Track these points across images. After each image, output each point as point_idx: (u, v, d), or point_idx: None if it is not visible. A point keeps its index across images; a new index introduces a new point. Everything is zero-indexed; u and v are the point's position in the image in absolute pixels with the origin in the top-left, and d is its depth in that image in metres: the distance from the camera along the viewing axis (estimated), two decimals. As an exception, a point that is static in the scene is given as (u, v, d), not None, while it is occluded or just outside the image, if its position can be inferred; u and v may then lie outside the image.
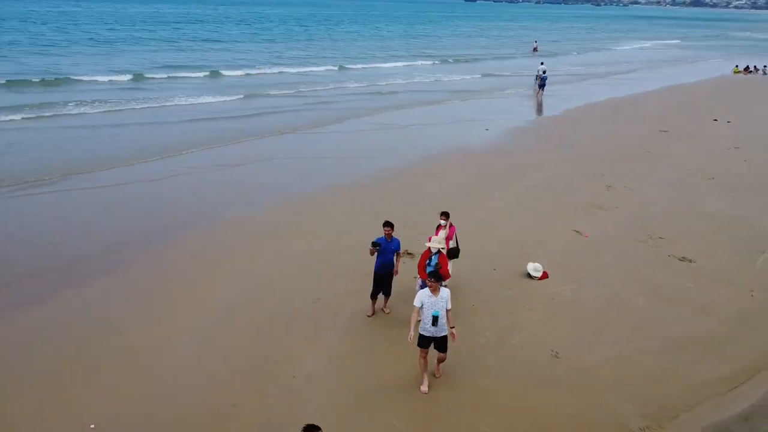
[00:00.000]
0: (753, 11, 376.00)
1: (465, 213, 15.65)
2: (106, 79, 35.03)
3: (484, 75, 46.22)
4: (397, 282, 10.75)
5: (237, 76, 39.57)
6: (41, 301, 10.68)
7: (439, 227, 11.21)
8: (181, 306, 10.73)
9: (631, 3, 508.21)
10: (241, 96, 32.01)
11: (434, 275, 8.39)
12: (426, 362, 8.65)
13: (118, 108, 27.58)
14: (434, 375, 8.86)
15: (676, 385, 9.01)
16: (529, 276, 12.16)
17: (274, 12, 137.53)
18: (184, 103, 29.75)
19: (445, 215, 11.18)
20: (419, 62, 52.76)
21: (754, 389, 9.07)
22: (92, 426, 7.62)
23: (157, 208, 15.64)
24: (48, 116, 25.12)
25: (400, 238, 10.52)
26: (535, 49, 67.44)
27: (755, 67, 52.17)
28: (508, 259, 12.93)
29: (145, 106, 28.46)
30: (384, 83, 39.24)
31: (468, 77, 44.34)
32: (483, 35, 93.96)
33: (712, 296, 11.70)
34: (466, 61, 55.42)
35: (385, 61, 52.19)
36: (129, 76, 36.10)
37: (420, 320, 8.44)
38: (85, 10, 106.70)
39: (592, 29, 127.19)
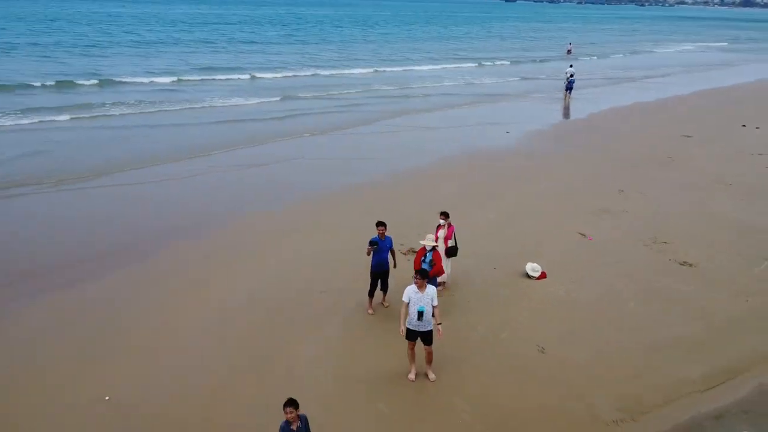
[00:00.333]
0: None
1: (475, 213, 16.27)
2: (146, 80, 36.54)
3: (515, 78, 46.33)
4: (399, 278, 11.35)
5: (271, 78, 40.60)
6: (69, 287, 11.69)
7: (439, 226, 11.80)
8: (195, 294, 11.59)
9: (677, 3, 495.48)
10: (274, 98, 32.94)
11: (420, 273, 8.97)
12: (413, 353, 9.26)
13: (156, 109, 28.85)
14: (426, 376, 9.29)
15: (654, 383, 9.40)
16: (528, 276, 12.62)
17: (310, 13, 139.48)
18: (219, 104, 30.89)
19: (445, 215, 11.77)
20: (452, 65, 53.02)
21: (731, 390, 9.39)
22: (107, 398, 8.51)
23: (182, 205, 16.59)
24: (91, 117, 26.47)
25: (411, 236, 11.06)
26: (569, 52, 66.86)
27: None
28: (510, 259, 13.40)
29: (183, 107, 29.65)
30: (414, 86, 39.73)
31: (499, 80, 44.50)
32: (518, 37, 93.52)
33: (705, 301, 11.97)
34: (499, 64, 55.48)
35: (418, 63, 52.65)
36: (168, 78, 37.47)
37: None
38: (129, 11, 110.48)
39: (635, 31, 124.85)
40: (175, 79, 37.61)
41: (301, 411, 6.66)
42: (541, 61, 59.62)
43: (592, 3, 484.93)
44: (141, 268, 12.69)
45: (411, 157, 22.19)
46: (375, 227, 10.87)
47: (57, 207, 16.20)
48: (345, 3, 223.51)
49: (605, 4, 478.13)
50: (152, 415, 8.31)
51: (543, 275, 12.64)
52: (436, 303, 9.04)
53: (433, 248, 10.48)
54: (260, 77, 40.71)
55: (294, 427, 6.60)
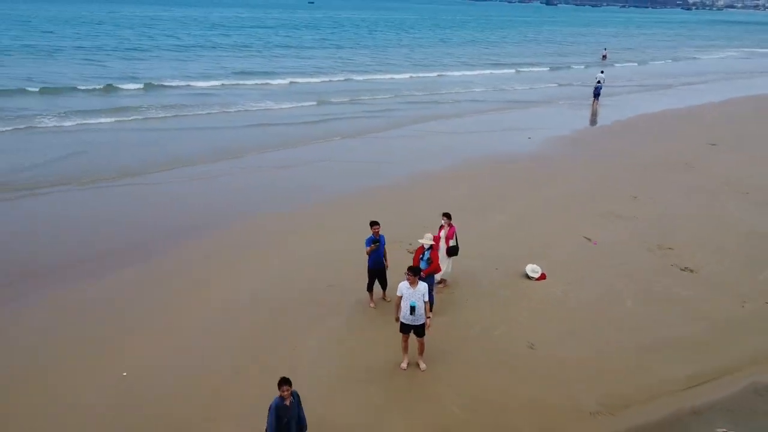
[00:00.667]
0: None
1: (485, 216, 16.81)
2: (183, 83, 37.96)
3: (547, 84, 46.31)
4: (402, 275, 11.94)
5: (305, 82, 41.35)
6: (98, 277, 12.70)
7: (441, 227, 12.38)
8: (210, 284, 12.45)
9: (726, 7, 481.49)
10: (308, 103, 33.71)
11: (412, 270, 9.57)
12: (407, 345, 9.86)
13: (192, 113, 29.88)
14: (418, 366, 9.90)
15: (639, 380, 9.80)
16: (527, 277, 13.08)
17: (346, 16, 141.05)
18: (253, 108, 31.78)
19: (447, 216, 12.34)
20: (486, 71, 53.02)
21: (715, 389, 9.73)
22: (124, 374, 9.39)
23: (201, 205, 17.33)
24: (128, 119, 27.67)
25: (422, 237, 11.60)
26: (604, 57, 66.36)
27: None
28: (513, 260, 13.85)
29: (218, 111, 30.61)
30: (445, 92, 40.03)
31: (530, 87, 44.40)
32: (554, 42, 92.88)
33: (702, 304, 12.23)
34: (532, 70, 55.31)
35: (452, 69, 52.87)
36: (205, 82, 38.73)
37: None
38: (171, 14, 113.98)
39: (678, 36, 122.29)
40: (211, 83, 38.80)
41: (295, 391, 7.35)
42: (575, 66, 59.16)
43: (636, 6, 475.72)
44: (168, 260, 13.62)
45: (431, 160, 22.74)
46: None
47: (84, 205, 17.05)
48: (382, 6, 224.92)
49: (650, 8, 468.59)
50: (155, 415, 8.75)
51: (543, 276, 13.07)
52: (427, 299, 9.63)
53: (431, 247, 11.06)
54: (295, 82, 41.40)
55: (287, 402, 7.28)
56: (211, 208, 17.17)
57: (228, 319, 11.26)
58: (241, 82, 40.30)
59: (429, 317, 9.69)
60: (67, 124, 26.00)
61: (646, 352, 10.56)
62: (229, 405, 8.96)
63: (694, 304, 12.22)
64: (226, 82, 39.78)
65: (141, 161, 21.15)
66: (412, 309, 9.48)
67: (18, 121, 25.39)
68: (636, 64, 65.48)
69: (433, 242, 11.11)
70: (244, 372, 9.71)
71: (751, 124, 30.99)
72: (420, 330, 9.72)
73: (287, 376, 7.26)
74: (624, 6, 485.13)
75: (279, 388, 7.18)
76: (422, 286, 9.61)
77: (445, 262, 12.32)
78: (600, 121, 32.67)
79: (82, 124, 26.18)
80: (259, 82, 40.70)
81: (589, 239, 15.34)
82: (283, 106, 32.73)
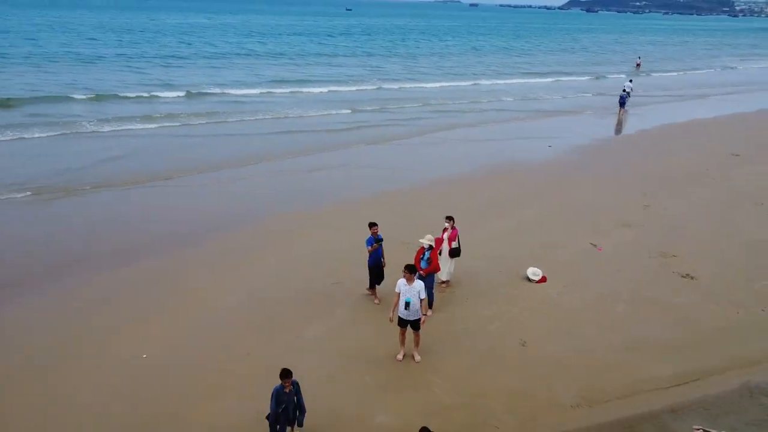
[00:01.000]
0: None
1: (496, 221, 17.45)
2: (218, 91, 39.35)
3: (575, 93, 46.44)
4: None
5: (338, 91, 42.28)
6: (128, 267, 13.81)
7: (444, 229, 13.07)
8: (226, 277, 13.41)
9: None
10: (339, 110, 34.55)
11: (408, 268, 10.29)
12: (404, 338, 10.59)
13: (227, 119, 31.05)
14: (413, 357, 10.60)
15: (621, 378, 10.31)
16: (528, 279, 13.64)
17: (380, 23, 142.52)
18: (284, 115, 32.76)
19: (449, 219, 13.04)
20: (518, 80, 53.33)
21: (695, 389, 10.16)
22: (144, 356, 10.37)
23: (222, 206, 18.35)
24: (165, 126, 28.93)
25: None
26: (638, 65, 65.85)
27: None
28: (517, 263, 14.41)
29: (254, 118, 31.68)
30: (472, 101, 40.45)
31: (560, 96, 44.59)
32: (589, 50, 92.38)
33: (696, 310, 12.62)
34: (561, 79, 55.32)
35: (484, 77, 53.20)
36: (240, 90, 40.06)
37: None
38: (212, 22, 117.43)
39: (722, 44, 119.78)
40: (247, 90, 40.11)
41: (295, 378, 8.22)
42: (608, 76, 58.76)
43: (680, 13, 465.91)
44: (187, 254, 14.67)
45: (449, 167, 23.40)
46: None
47: (114, 206, 18.05)
48: (417, 14, 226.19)
49: (694, 15, 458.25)
50: (172, 387, 9.94)
51: (543, 279, 13.62)
52: (423, 296, 10.35)
53: (430, 247, 11.77)
54: (328, 90, 42.31)
55: (287, 389, 8.08)
56: (234, 208, 18.18)
57: (244, 306, 12.23)
58: (275, 90, 41.41)
59: (426, 314, 10.37)
60: (108, 129, 27.39)
61: (631, 352, 11.04)
62: (237, 384, 9.85)
63: (687, 309, 12.61)
64: (261, 90, 40.97)
65: (173, 165, 22.22)
66: (407, 304, 10.19)
67: (62, 127, 26.90)
68: (674, 73, 64.80)
69: (432, 243, 11.80)
70: (254, 353, 10.63)
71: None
72: (416, 324, 10.43)
73: (289, 368, 8.07)
74: (667, 13, 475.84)
75: (281, 379, 8.01)
76: (418, 283, 10.32)
77: (447, 263, 13.01)
78: (625, 130, 32.83)
79: (123, 129, 27.54)
80: (293, 90, 41.80)
81: (595, 245, 15.79)
82: (316, 114, 33.66)
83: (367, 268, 12.44)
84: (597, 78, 57.42)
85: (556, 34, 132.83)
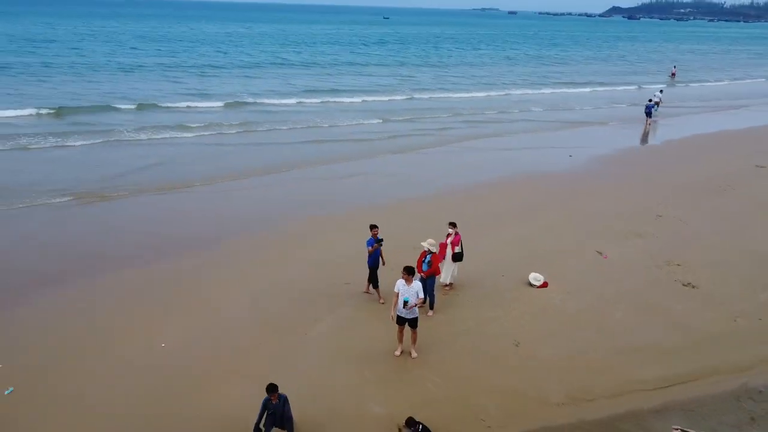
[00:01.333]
0: None
1: (506, 228, 18.03)
2: (251, 100, 40.62)
3: (606, 103, 46.26)
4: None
5: (371, 101, 42.94)
6: (150, 264, 14.90)
7: (448, 235, 13.71)
8: (243, 277, 14.33)
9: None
10: (372, 120, 35.29)
11: (407, 270, 10.97)
12: (402, 335, 11.28)
13: (262, 129, 32.09)
14: (410, 354, 11.30)
15: (608, 379, 10.78)
16: (530, 284, 14.15)
17: (414, 32, 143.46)
18: (316, 125, 33.58)
19: (452, 225, 13.68)
20: (548, 90, 53.31)
21: (681, 391, 10.56)
22: (163, 345, 11.32)
23: (246, 211, 19.34)
24: (207, 134, 30.16)
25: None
26: (672, 75, 65.00)
27: None
28: (521, 268, 14.90)
29: (287, 128, 32.58)
30: (501, 111, 40.71)
31: (588, 106, 44.39)
32: (626, 59, 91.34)
33: (693, 317, 12.94)
34: (595, 90, 54.95)
35: (510, 88, 53.28)
36: (277, 99, 41.25)
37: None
38: (250, 31, 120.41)
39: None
40: (282, 100, 41.19)
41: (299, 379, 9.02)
42: (642, 85, 58.05)
43: (726, 20, 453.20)
44: (208, 255, 15.68)
45: (469, 175, 23.96)
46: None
47: (150, 209, 19.26)
48: (455, 22, 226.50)
49: (741, 22, 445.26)
50: (193, 362, 10.93)
51: (545, 284, 14.11)
52: (421, 296, 11.03)
53: (432, 251, 12.44)
54: (360, 100, 43.06)
55: (274, 401, 8.80)
56: (256, 213, 19.18)
57: (257, 303, 13.11)
58: (308, 99, 42.38)
59: (420, 304, 11.03)
60: (145, 137, 28.75)
61: (622, 355, 11.48)
62: (249, 365, 10.85)
63: (683, 316, 12.94)
64: (293, 99, 42.00)
65: (205, 173, 23.16)
66: (405, 303, 10.88)
67: (103, 135, 28.40)
68: (712, 83, 63.74)
69: (433, 247, 12.47)
70: (265, 341, 11.60)
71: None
72: (413, 322, 11.12)
73: (275, 383, 8.78)
74: (712, 20, 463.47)
75: (267, 393, 8.71)
76: (416, 284, 11.00)
77: (451, 267, 13.65)
78: (650, 140, 32.80)
79: (160, 138, 28.80)
80: (325, 99, 42.72)
81: (601, 253, 16.17)
82: (346, 123, 34.40)
83: (367, 268, 13.17)
84: (631, 88, 56.87)
85: (595, 43, 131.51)
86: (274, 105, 39.97)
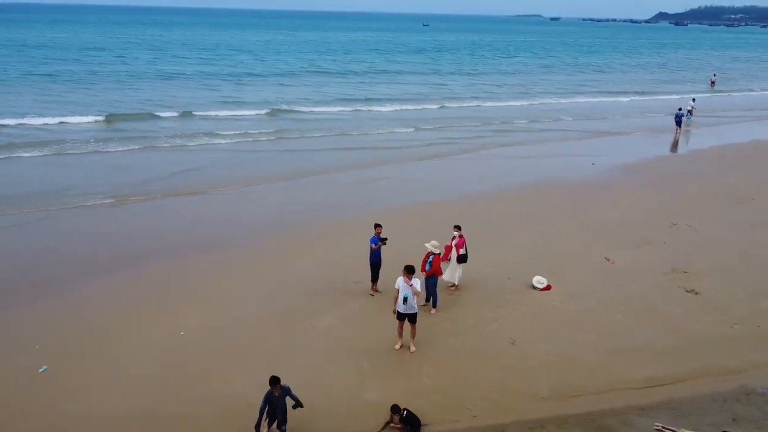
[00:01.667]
0: None
1: (519, 233, 18.58)
2: (288, 108, 41.95)
3: (638, 112, 45.95)
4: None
5: (404, 110, 43.81)
6: (178, 260, 16.03)
7: (453, 237, 14.39)
8: (260, 273, 15.31)
9: None
10: (404, 129, 36.13)
11: (408, 269, 11.70)
12: (402, 330, 12.01)
13: (295, 136, 33.15)
14: (409, 349, 12.01)
15: (596, 377, 11.26)
16: (533, 287, 14.67)
17: (452, 39, 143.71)
18: (350, 133, 34.49)
19: (457, 228, 14.36)
20: (581, 99, 53.12)
21: (668, 391, 10.95)
22: (182, 333, 12.34)
23: (276, 211, 20.53)
24: (241, 141, 31.37)
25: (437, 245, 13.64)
26: (712, 83, 63.80)
27: None
28: (527, 272, 15.40)
29: (320, 135, 33.65)
30: (530, 121, 40.96)
31: (619, 116, 44.03)
32: (667, 67, 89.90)
33: (692, 321, 13.26)
34: (632, 99, 54.48)
35: (543, 97, 53.32)
36: (312, 107, 42.51)
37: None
38: (288, 38, 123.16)
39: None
40: (318, 108, 42.50)
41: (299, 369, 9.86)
42: (680, 94, 57.01)
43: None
44: (230, 252, 16.73)
45: (491, 182, 24.52)
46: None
47: (182, 210, 20.51)
48: (495, 29, 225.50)
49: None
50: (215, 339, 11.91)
51: (548, 287, 14.61)
52: (418, 290, 11.73)
53: (434, 253, 13.15)
54: (393, 109, 43.85)
55: (276, 394, 9.36)
56: (284, 214, 20.24)
57: (273, 296, 14.14)
58: (342, 108, 43.36)
59: (418, 293, 11.77)
60: (180, 143, 30.21)
61: (615, 355, 11.93)
62: (259, 351, 11.83)
63: (681, 320, 13.27)
64: (327, 108, 43.12)
65: (237, 177, 24.29)
66: (405, 299, 11.62)
67: (144, 141, 30.09)
68: (756, 92, 62.26)
69: (435, 249, 13.18)
70: (275, 329, 12.58)
71: None
72: (413, 317, 11.84)
73: (277, 376, 9.34)
74: (765, 26, 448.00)
75: (270, 385, 9.22)
76: (415, 282, 11.73)
77: (456, 269, 14.32)
78: (679, 149, 32.60)
79: (197, 145, 30.16)
80: (358, 108, 43.63)
81: (608, 259, 16.53)
82: (378, 132, 35.15)
83: (369, 264, 14.11)
84: (667, 97, 55.97)
85: (636, 50, 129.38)
86: (307, 113, 41.19)
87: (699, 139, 34.92)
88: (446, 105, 46.81)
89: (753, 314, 13.64)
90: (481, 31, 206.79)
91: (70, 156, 26.90)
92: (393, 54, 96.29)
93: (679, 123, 35.01)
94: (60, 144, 28.44)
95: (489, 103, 48.57)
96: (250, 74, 60.89)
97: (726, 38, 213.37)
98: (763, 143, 33.55)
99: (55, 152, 27.15)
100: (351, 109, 43.45)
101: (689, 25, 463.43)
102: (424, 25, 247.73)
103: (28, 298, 13.80)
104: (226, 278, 15.05)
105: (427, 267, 13.13)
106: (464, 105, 47.35)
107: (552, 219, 19.86)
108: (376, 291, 14.15)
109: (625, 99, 54.32)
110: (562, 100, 52.12)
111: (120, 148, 28.54)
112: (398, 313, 11.87)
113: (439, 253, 13.43)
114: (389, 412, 9.74)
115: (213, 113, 39.06)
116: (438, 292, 13.63)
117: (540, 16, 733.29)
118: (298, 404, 9.56)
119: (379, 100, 47.82)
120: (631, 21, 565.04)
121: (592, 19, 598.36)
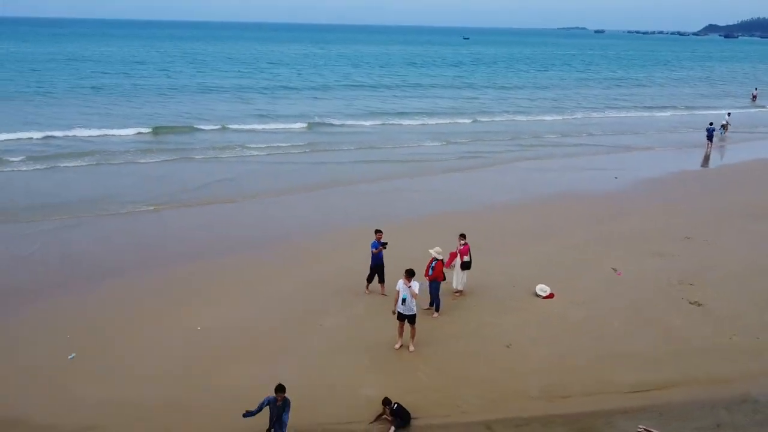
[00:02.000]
0: None
1: (531, 244, 19.03)
2: (320, 121, 42.98)
3: (673, 127, 45.45)
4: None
5: (434, 124, 44.37)
6: (206, 261, 17.09)
7: (458, 245, 15.02)
8: (279, 274, 16.20)
9: None
10: (433, 143, 36.82)
11: (408, 272, 12.40)
12: (402, 330, 12.71)
13: (325, 149, 34.14)
14: (408, 349, 12.68)
15: (586, 380, 11.72)
16: (536, 295, 15.14)
17: (489, 52, 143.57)
18: (378, 146, 35.21)
19: (462, 236, 14.99)
20: (611, 114, 52.70)
21: (656, 396, 11.33)
22: (199, 328, 13.31)
23: (300, 218, 21.51)
24: (274, 153, 32.45)
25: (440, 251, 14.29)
26: (754, 98, 62.36)
27: None
28: (533, 280, 15.84)
29: (348, 148, 34.50)
30: (560, 134, 41.14)
31: (652, 131, 43.57)
32: (710, 80, 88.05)
33: (690, 331, 13.54)
34: (665, 114, 53.80)
35: (575, 112, 53.07)
36: (345, 120, 43.53)
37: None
38: (324, 51, 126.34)
39: None
40: (350, 122, 43.47)
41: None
42: (717, 109, 55.93)
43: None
44: (251, 255, 17.71)
45: (513, 193, 25.07)
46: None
47: (214, 217, 21.59)
48: (537, 42, 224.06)
49: None
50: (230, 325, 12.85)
51: (551, 295, 15.06)
52: (416, 291, 12.38)
53: (437, 259, 13.82)
54: (422, 123, 44.41)
55: (279, 403, 9.70)
56: (308, 221, 21.17)
57: (292, 294, 15.07)
58: (373, 122, 44.06)
59: (416, 295, 12.40)
60: (216, 155, 31.36)
61: (607, 360, 12.35)
62: (269, 345, 12.70)
63: (680, 330, 13.55)
64: (359, 121, 44.04)
65: (267, 188, 25.34)
66: (404, 301, 12.33)
67: (181, 153, 31.60)
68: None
69: (438, 255, 13.85)
70: (286, 327, 13.46)
71: None
72: (412, 318, 12.53)
73: (283, 384, 9.68)
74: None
75: (275, 393, 9.51)
76: (414, 284, 12.42)
77: (460, 275, 14.94)
78: (710, 165, 32.28)
79: (231, 156, 31.33)
80: (390, 122, 44.32)
81: (615, 270, 16.83)
82: (408, 146, 35.77)
83: (369, 267, 14.96)
84: (704, 112, 54.81)
85: (679, 63, 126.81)
86: (338, 126, 42.18)
87: (730, 154, 34.53)
88: (478, 119, 47.21)
89: (754, 326, 13.81)
90: (521, 45, 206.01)
91: (110, 166, 28.49)
92: (429, 67, 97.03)
93: (710, 138, 34.62)
94: (101, 154, 30.05)
95: (520, 118, 48.65)
96: (286, 87, 62.59)
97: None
98: (798, 159, 32.92)
99: (96, 162, 28.81)
100: (381, 122, 44.18)
101: (740, 37, 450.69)
102: (464, 38, 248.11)
103: (61, 292, 15.02)
104: (249, 279, 15.96)
105: (430, 272, 13.79)
106: (496, 119, 47.60)
107: (569, 230, 20.21)
108: (379, 294, 14.88)
109: (662, 114, 53.58)
110: (595, 114, 51.82)
111: (157, 159, 30.08)
112: (398, 313, 12.56)
113: (442, 259, 14.07)
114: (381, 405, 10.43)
115: (248, 126, 40.37)
116: (442, 297, 14.27)
117: (584, 28, 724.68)
118: (282, 426, 9.50)
119: (410, 113, 48.50)
120: (679, 33, 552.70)
121: (638, 32, 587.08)
